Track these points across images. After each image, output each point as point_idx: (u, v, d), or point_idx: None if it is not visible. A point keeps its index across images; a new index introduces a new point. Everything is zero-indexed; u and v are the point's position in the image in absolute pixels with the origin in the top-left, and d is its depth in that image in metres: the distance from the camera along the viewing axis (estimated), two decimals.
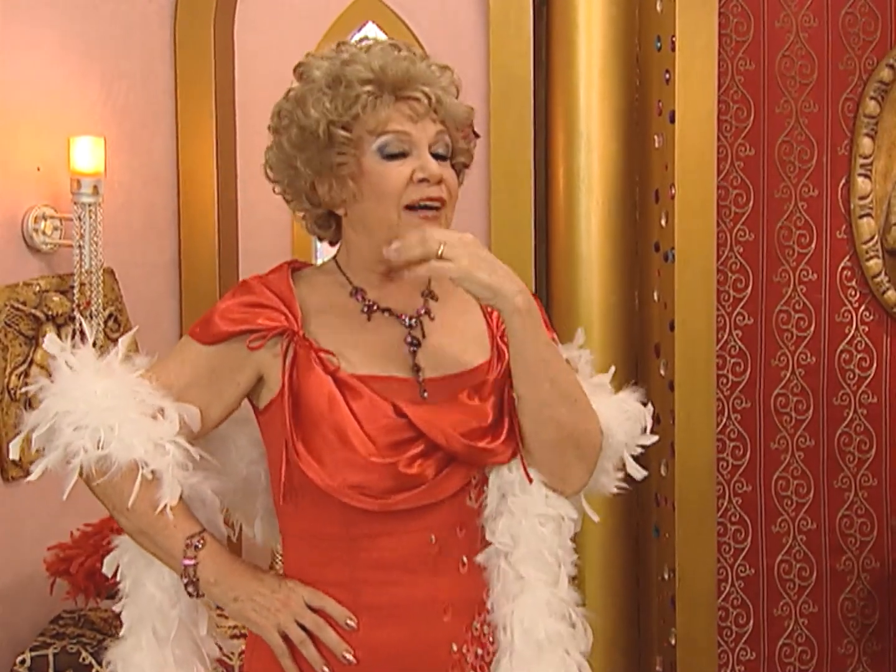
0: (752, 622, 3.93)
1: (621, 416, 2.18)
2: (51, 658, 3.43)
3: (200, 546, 2.01)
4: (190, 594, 2.03)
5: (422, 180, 2.01)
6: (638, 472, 2.20)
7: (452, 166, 2.08)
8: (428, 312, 2.11)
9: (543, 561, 2.10)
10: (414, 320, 2.09)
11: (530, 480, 2.08)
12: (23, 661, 3.43)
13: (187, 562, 2.00)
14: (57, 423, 1.99)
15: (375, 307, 2.08)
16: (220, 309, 2.04)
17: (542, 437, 2.05)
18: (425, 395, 2.05)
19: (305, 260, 4.35)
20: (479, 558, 2.10)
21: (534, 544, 2.09)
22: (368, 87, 2.00)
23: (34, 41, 3.78)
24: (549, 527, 2.10)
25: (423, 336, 2.09)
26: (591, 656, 3.86)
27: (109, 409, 1.99)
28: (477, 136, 2.15)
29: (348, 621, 2.01)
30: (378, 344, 2.06)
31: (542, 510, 2.10)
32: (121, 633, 2.12)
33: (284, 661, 2.02)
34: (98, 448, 1.97)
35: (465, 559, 2.07)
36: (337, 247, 2.16)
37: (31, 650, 3.47)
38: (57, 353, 2.03)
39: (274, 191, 2.14)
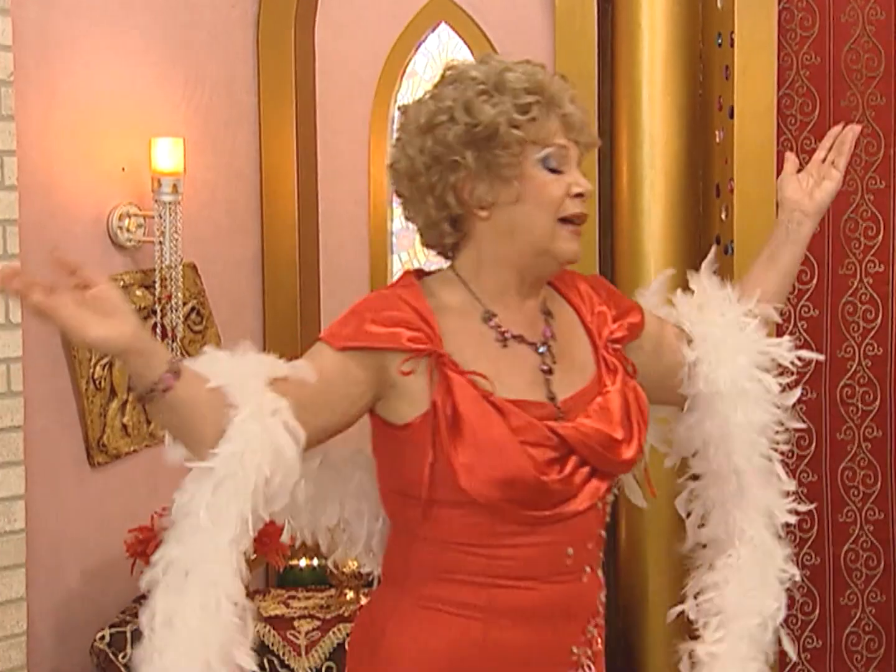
0: (818, 610, 3.95)
1: None
2: (128, 635, 3.59)
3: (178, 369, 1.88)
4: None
5: (577, 195, 2.07)
6: None
7: None
8: (553, 335, 2.16)
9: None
10: (544, 347, 2.15)
11: (654, 494, 2.25)
12: (102, 637, 3.61)
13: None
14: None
15: (508, 334, 2.12)
16: (360, 318, 2.04)
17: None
18: (562, 416, 2.11)
19: (380, 255, 4.45)
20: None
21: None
22: (538, 97, 2.05)
23: (119, 46, 3.94)
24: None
25: (554, 362, 2.14)
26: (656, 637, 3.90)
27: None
28: None
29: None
30: (516, 371, 2.10)
31: None
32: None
33: None
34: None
35: (588, 569, 2.16)
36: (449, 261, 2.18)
37: (110, 626, 3.64)
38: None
39: (398, 193, 2.15)
